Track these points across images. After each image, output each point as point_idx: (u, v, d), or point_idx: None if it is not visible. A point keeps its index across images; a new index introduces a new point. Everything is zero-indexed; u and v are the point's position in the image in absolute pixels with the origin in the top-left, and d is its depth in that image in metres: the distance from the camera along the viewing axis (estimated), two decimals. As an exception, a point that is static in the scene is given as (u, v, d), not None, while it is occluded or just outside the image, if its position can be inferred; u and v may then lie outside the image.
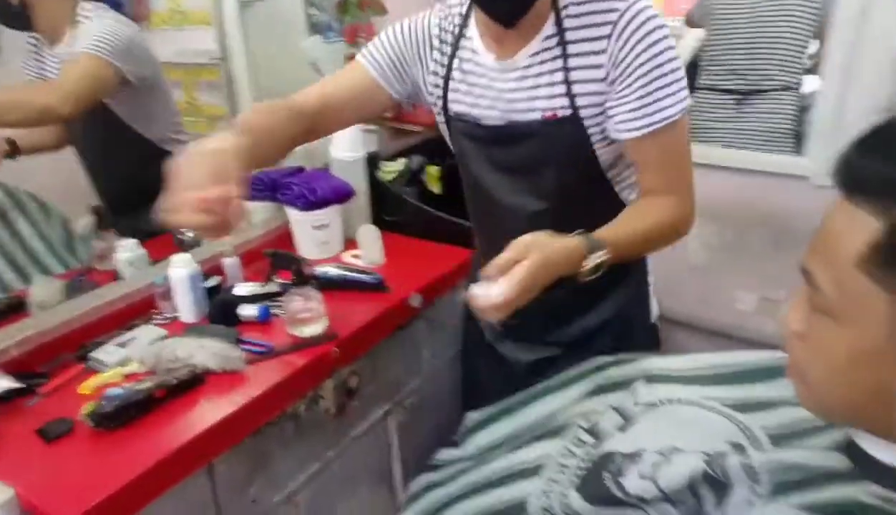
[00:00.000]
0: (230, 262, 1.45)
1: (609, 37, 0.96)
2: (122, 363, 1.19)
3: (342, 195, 1.52)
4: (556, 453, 0.88)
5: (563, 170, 1.06)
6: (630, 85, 0.97)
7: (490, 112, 1.07)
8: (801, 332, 0.59)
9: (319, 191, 1.46)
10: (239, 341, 1.24)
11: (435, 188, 1.84)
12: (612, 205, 1.08)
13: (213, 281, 1.41)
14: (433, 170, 1.83)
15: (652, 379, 0.88)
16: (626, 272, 1.15)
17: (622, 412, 0.86)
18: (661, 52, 0.95)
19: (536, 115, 1.03)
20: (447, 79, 1.11)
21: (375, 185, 1.72)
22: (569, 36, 1.00)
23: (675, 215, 1.02)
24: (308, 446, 1.25)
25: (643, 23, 0.95)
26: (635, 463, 0.75)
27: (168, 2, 1.80)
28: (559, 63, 1.01)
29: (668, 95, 0.97)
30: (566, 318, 1.19)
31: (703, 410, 0.79)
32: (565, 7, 1.00)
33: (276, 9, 1.93)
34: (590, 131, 1.02)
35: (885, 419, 0.55)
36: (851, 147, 0.53)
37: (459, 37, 1.10)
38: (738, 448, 0.70)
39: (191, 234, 1.50)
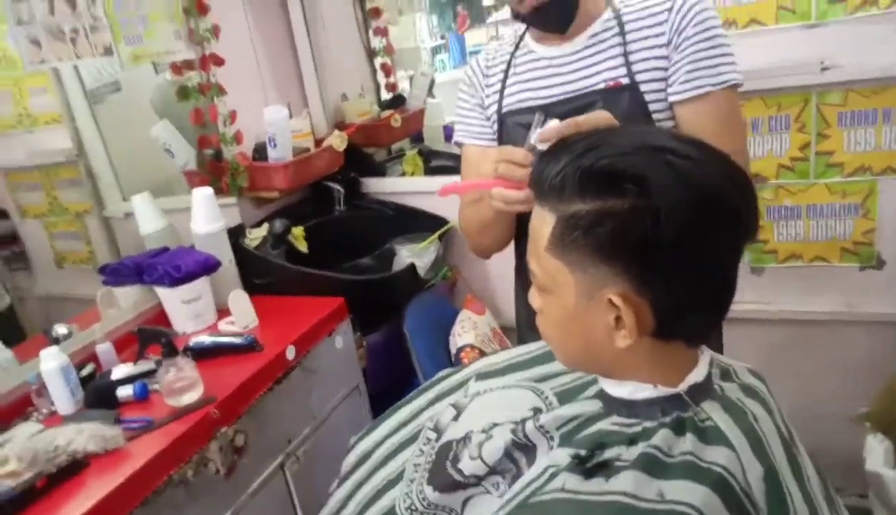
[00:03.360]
0: (103, 348, 1.49)
1: (669, 10, 1.09)
2: (-1, 463, 1.21)
3: (207, 267, 1.60)
4: (413, 456, 1.00)
5: None
6: (688, 47, 1.08)
7: (551, 91, 1.16)
8: (539, 309, 0.75)
9: (184, 267, 1.54)
10: (118, 421, 1.29)
11: (302, 247, 1.95)
12: None
13: (88, 369, 1.45)
14: (297, 231, 1.94)
15: (480, 375, 1.03)
16: None
17: (456, 406, 0.99)
18: (715, 27, 1.08)
19: (599, 86, 1.12)
20: (503, 84, 1.22)
21: (242, 253, 1.81)
22: (626, 17, 1.12)
23: None
24: (202, 509, 1.30)
25: (697, 1, 1.09)
26: (466, 447, 0.88)
27: (13, 106, 1.84)
28: (618, 39, 1.12)
29: (722, 64, 1.09)
30: None
31: (514, 388, 0.94)
32: None
33: (128, 99, 2.01)
34: (649, 99, 1.10)
35: (601, 361, 0.72)
36: (535, 161, 0.70)
37: (515, 50, 1.22)
38: (537, 411, 0.85)
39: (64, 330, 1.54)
